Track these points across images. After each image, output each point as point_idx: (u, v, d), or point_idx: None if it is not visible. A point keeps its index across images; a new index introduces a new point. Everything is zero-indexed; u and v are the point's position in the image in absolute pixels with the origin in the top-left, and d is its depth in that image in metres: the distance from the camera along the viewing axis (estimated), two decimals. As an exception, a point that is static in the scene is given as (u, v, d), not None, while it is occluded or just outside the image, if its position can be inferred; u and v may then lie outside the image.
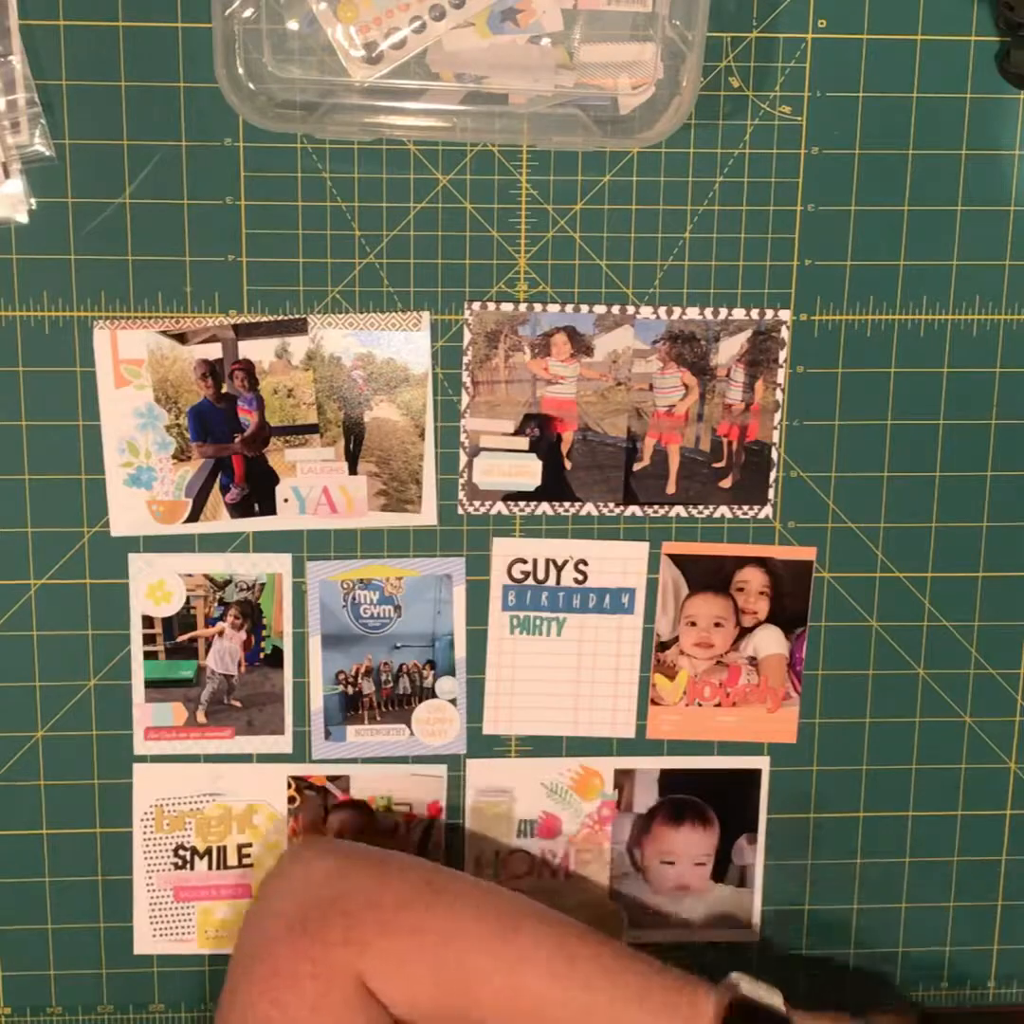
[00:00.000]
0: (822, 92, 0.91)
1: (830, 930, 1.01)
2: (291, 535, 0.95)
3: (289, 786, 0.97)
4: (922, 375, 0.95)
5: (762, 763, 1.00)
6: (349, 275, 0.92)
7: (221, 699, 0.96)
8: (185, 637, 0.95)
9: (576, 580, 0.96)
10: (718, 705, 0.98)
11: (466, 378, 0.93)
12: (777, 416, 0.95)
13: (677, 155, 0.91)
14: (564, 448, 0.95)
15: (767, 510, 0.96)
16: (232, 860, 0.98)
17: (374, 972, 0.83)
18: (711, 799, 1.00)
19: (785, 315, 0.93)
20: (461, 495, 0.95)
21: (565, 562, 0.96)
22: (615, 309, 0.93)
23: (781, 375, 0.94)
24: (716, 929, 1.01)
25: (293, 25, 0.85)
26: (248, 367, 0.92)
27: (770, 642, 0.98)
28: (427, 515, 0.95)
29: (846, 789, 1.00)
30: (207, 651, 0.96)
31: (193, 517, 0.94)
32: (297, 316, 0.92)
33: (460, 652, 0.97)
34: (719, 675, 0.98)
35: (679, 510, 0.96)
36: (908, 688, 0.99)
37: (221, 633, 0.95)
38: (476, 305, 0.92)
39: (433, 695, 0.97)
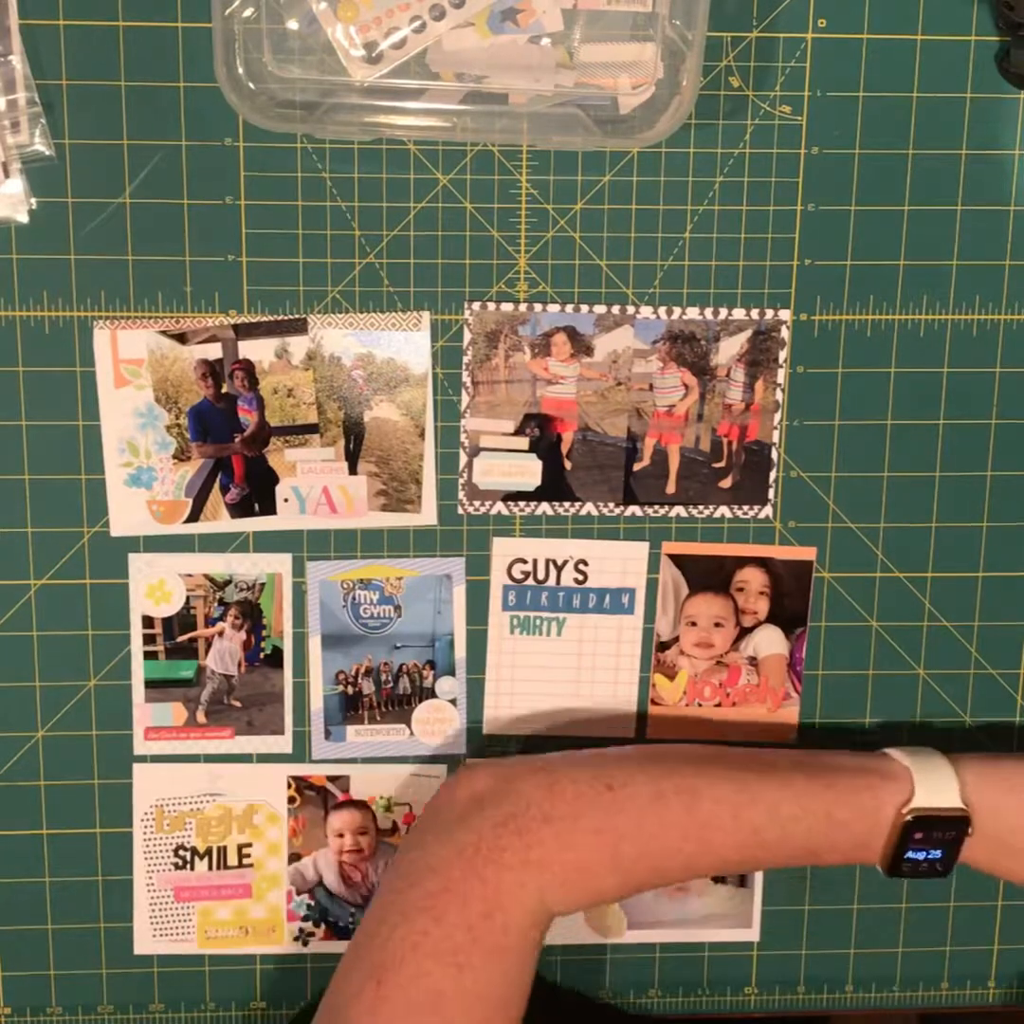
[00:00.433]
0: (822, 92, 0.91)
1: (830, 930, 1.01)
2: (291, 535, 0.95)
3: (289, 786, 0.97)
4: (922, 375, 0.95)
5: (762, 763, 1.00)
6: (349, 275, 0.92)
7: (221, 699, 0.96)
8: (185, 637, 0.95)
9: (576, 580, 0.96)
10: (718, 705, 0.98)
11: (466, 378, 0.93)
12: (777, 416, 0.95)
13: (677, 155, 0.91)
14: (564, 448, 0.95)
15: (767, 510, 0.96)
16: (232, 860, 0.98)
17: (556, 886, 0.82)
18: (711, 799, 1.00)
19: (785, 315, 0.93)
20: (461, 495, 0.95)
21: (565, 562, 0.96)
22: (615, 309, 0.93)
23: (781, 375, 0.94)
24: (716, 929, 1.01)
25: (293, 25, 0.85)
26: (248, 367, 0.92)
27: (770, 642, 0.98)
28: (427, 515, 0.95)
29: (846, 789, 1.00)
30: (207, 651, 0.96)
31: (193, 517, 0.94)
32: (297, 316, 0.92)
33: (460, 652, 0.97)
34: (719, 675, 0.98)
35: (679, 510, 0.96)
36: (908, 688, 0.99)
37: (221, 633, 0.95)
38: (476, 305, 0.92)
39: (433, 695, 0.97)
